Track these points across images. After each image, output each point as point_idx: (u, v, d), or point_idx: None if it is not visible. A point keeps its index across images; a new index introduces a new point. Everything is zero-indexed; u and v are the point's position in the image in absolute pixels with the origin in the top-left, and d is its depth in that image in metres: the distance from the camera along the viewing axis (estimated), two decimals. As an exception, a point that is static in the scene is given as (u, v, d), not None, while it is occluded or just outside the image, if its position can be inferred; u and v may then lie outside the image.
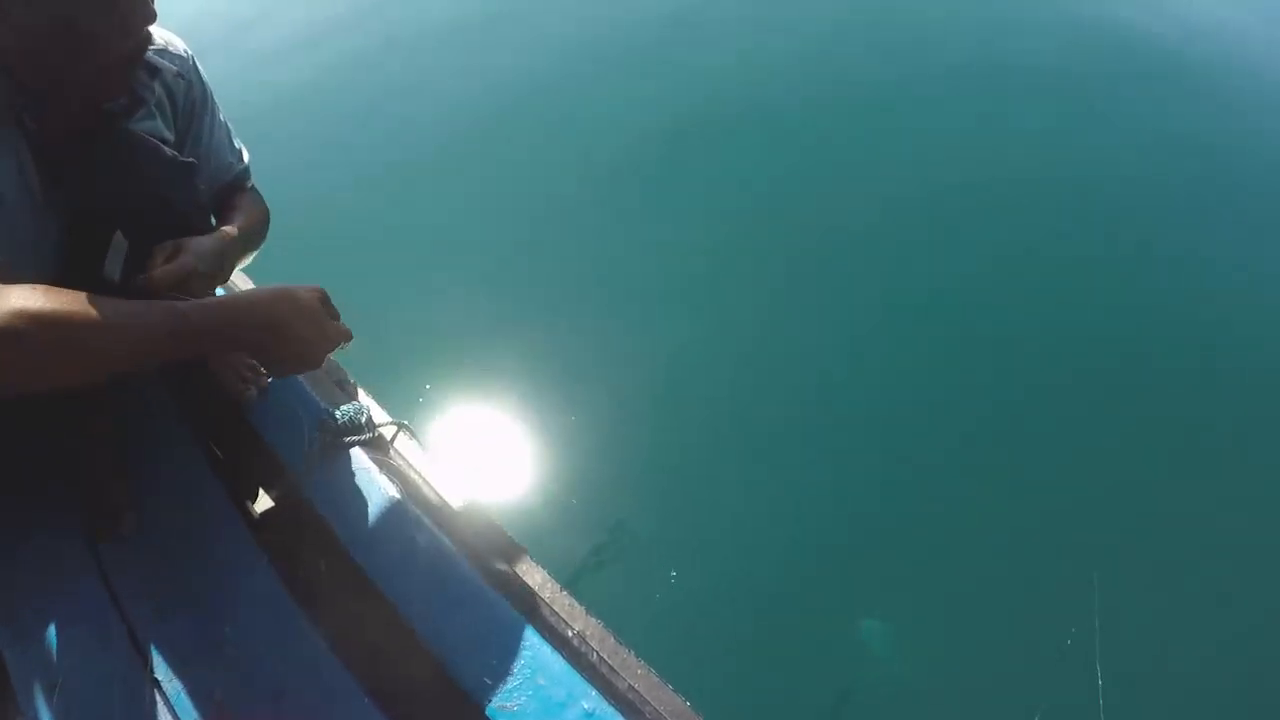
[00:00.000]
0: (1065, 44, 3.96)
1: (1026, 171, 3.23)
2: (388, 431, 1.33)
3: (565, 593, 1.11)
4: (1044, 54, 3.88)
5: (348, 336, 1.10)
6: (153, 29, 1.15)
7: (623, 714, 0.97)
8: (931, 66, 3.83)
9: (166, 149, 1.11)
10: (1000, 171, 3.21)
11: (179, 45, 1.22)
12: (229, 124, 1.33)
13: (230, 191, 1.35)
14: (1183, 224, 3.03)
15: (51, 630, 1.10)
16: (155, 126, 1.14)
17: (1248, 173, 3.29)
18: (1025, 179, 3.19)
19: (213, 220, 1.29)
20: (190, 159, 1.17)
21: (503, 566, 1.15)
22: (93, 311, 0.78)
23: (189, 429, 1.35)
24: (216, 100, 1.29)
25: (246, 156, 1.38)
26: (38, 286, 0.77)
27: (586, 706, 0.98)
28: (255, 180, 1.41)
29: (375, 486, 1.24)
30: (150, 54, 1.10)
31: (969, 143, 3.37)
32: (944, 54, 3.91)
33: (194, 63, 1.24)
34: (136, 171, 1.09)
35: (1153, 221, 3.04)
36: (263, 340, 0.97)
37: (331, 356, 1.16)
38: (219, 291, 1.34)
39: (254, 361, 1.43)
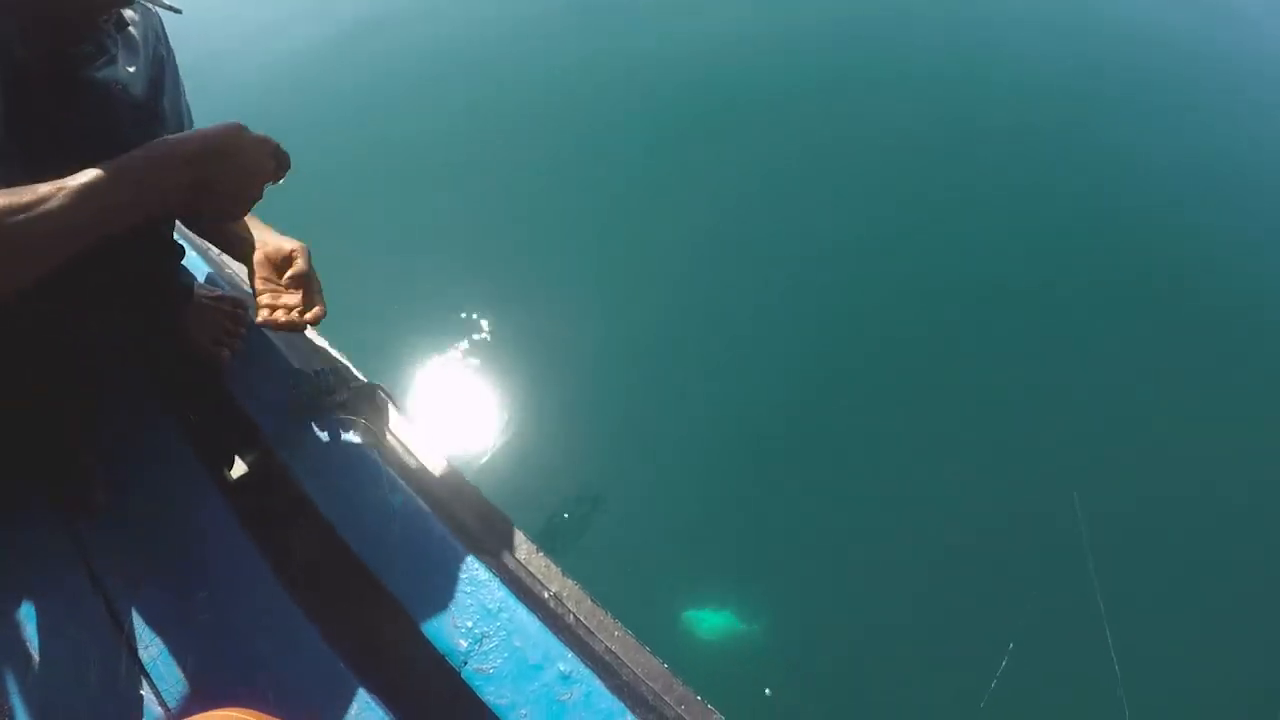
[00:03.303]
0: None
1: (994, 109, 3.24)
2: (363, 394, 1.30)
3: (542, 554, 1.10)
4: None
5: (281, 161, 1.03)
6: None
7: (600, 676, 0.95)
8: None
9: (130, 95, 1.08)
10: (967, 110, 3.23)
11: (164, 3, 1.17)
12: (186, 95, 1.29)
13: None
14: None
15: (27, 603, 1.09)
16: (115, 72, 1.09)
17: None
18: (993, 117, 3.20)
19: None
20: (155, 105, 1.14)
21: (479, 528, 1.13)
22: (27, 194, 0.79)
23: (161, 395, 1.32)
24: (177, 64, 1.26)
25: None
26: None
27: (563, 668, 0.96)
28: None
29: (351, 449, 1.22)
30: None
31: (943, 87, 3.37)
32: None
33: (160, 19, 1.20)
34: (95, 114, 1.05)
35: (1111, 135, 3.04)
36: (203, 173, 0.92)
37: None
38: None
39: (228, 324, 1.41)
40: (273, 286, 1.17)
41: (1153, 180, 2.84)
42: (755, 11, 3.92)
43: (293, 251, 1.19)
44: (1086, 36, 3.67)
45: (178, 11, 1.17)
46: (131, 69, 1.12)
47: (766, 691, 1.60)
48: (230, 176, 0.93)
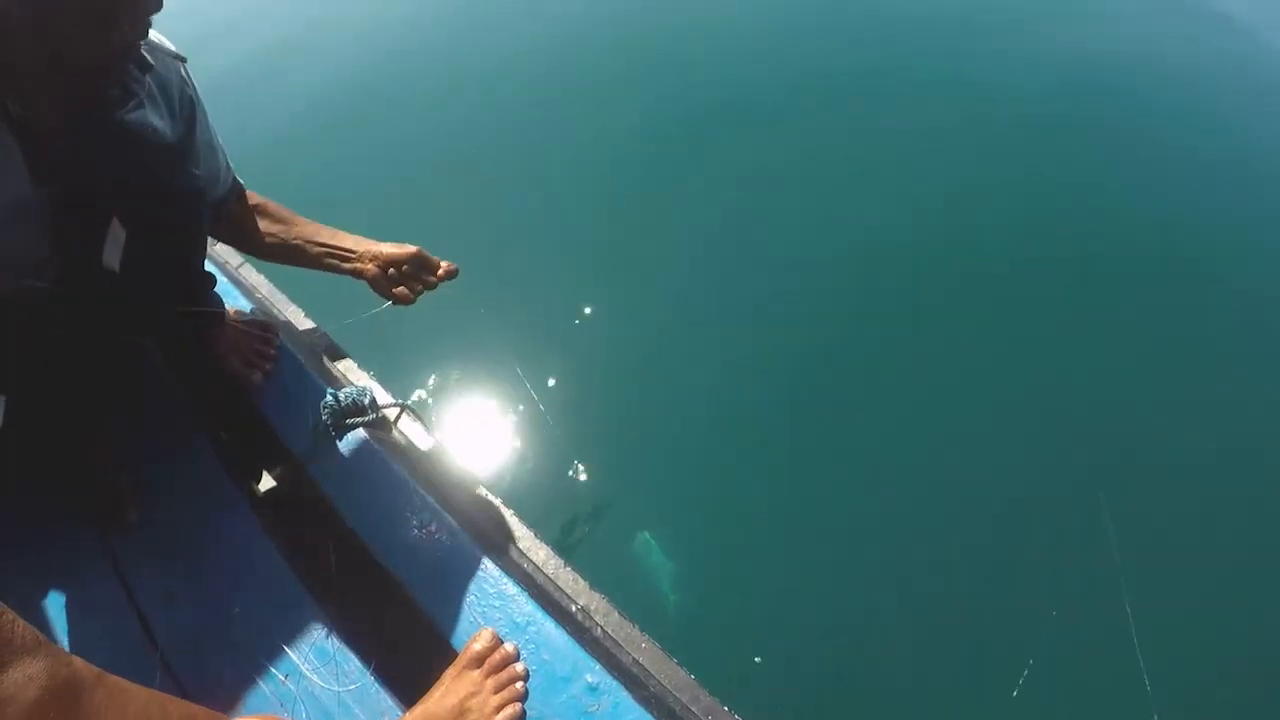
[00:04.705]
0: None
1: (1003, 103, 3.25)
2: (390, 412, 1.33)
3: (569, 568, 1.11)
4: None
5: None
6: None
7: (627, 687, 0.96)
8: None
9: (157, 136, 1.11)
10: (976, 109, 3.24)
11: (170, 46, 1.22)
12: (215, 128, 1.33)
13: (241, 200, 1.38)
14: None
15: (63, 619, 1.11)
16: (143, 115, 1.13)
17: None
18: (1001, 111, 3.21)
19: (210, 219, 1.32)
20: (189, 144, 1.18)
21: (506, 543, 1.14)
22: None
23: (194, 414, 1.35)
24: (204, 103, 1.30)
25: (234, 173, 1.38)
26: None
27: (591, 680, 0.97)
28: (245, 173, 1.42)
29: (379, 467, 1.24)
30: (143, 50, 1.10)
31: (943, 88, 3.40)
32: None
33: (185, 65, 1.24)
34: (129, 158, 1.08)
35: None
36: None
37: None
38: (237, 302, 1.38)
39: (259, 347, 1.45)
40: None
41: (1178, 170, 2.84)
42: (767, 11, 3.97)
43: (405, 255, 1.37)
44: (1086, 34, 3.69)
45: (182, 59, 1.22)
46: (161, 113, 1.15)
47: (756, 659, 1.60)
48: None
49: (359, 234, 1.39)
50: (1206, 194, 2.76)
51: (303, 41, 4.50)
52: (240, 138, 3.41)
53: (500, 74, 3.76)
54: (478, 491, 1.23)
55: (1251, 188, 2.79)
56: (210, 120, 1.31)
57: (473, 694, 0.95)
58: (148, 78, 1.14)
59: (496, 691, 0.95)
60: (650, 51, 3.73)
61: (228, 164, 1.36)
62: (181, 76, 1.22)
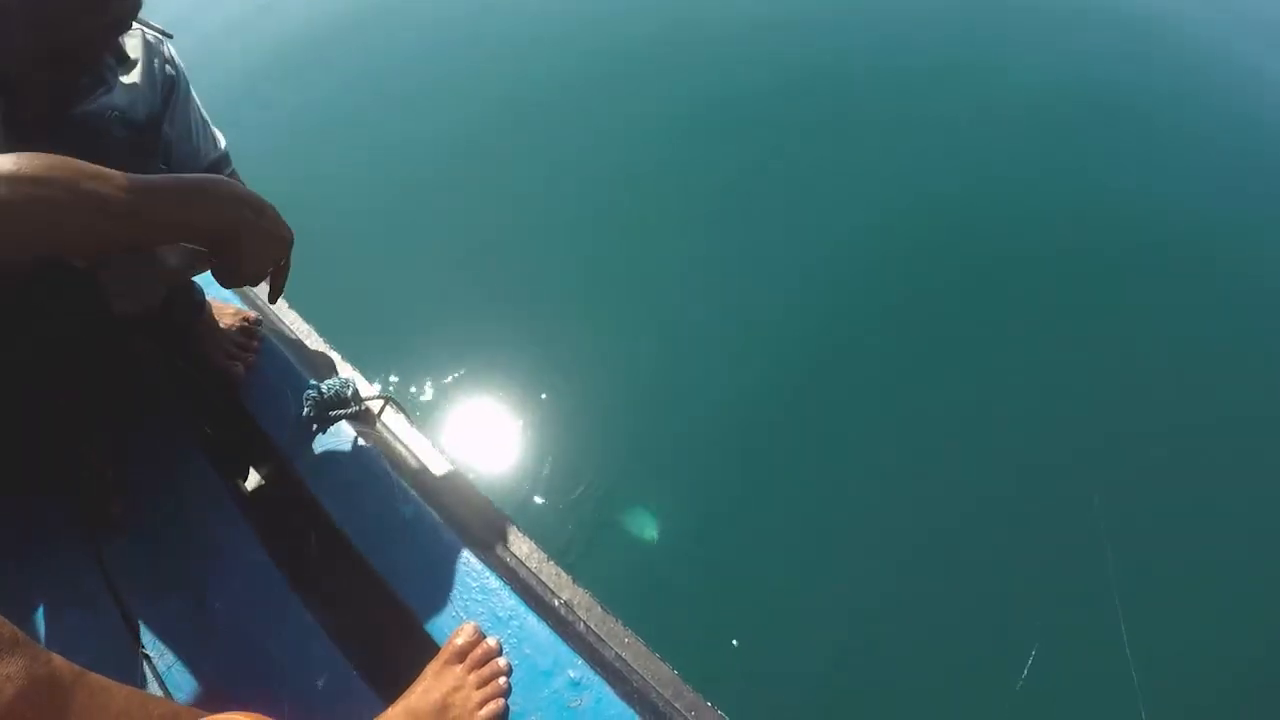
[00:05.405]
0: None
1: (1007, 97, 3.22)
2: (374, 405, 1.32)
3: (552, 562, 1.11)
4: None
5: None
6: None
7: (610, 682, 0.96)
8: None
9: (127, 123, 1.09)
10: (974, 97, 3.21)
11: (154, 24, 1.19)
12: (204, 110, 1.30)
13: None
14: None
15: (44, 614, 1.11)
16: (111, 100, 1.11)
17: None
18: (1005, 104, 3.18)
19: None
20: (152, 135, 1.16)
21: (489, 537, 1.14)
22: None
23: (176, 408, 1.34)
24: (190, 84, 1.27)
25: (223, 143, 1.35)
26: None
27: (573, 675, 0.97)
28: (238, 165, 1.38)
29: (362, 460, 1.23)
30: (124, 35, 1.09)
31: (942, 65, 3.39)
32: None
33: (169, 45, 1.21)
34: (94, 149, 1.07)
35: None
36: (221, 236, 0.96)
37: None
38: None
39: (241, 339, 1.43)
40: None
41: (1182, 164, 2.81)
42: (766, 6, 3.93)
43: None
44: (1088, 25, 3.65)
45: (169, 35, 1.19)
46: (130, 96, 1.13)
47: (734, 643, 1.61)
48: (257, 235, 0.98)
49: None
50: (1213, 191, 2.72)
51: (317, 33, 4.44)
52: (255, 133, 3.40)
53: (500, 74, 3.72)
54: (461, 485, 1.22)
55: (1262, 186, 2.76)
56: (196, 100, 1.28)
57: (455, 689, 0.95)
58: (130, 60, 1.12)
59: (479, 686, 0.95)
60: (649, 50, 3.68)
61: (214, 147, 1.33)
62: (163, 56, 1.20)
